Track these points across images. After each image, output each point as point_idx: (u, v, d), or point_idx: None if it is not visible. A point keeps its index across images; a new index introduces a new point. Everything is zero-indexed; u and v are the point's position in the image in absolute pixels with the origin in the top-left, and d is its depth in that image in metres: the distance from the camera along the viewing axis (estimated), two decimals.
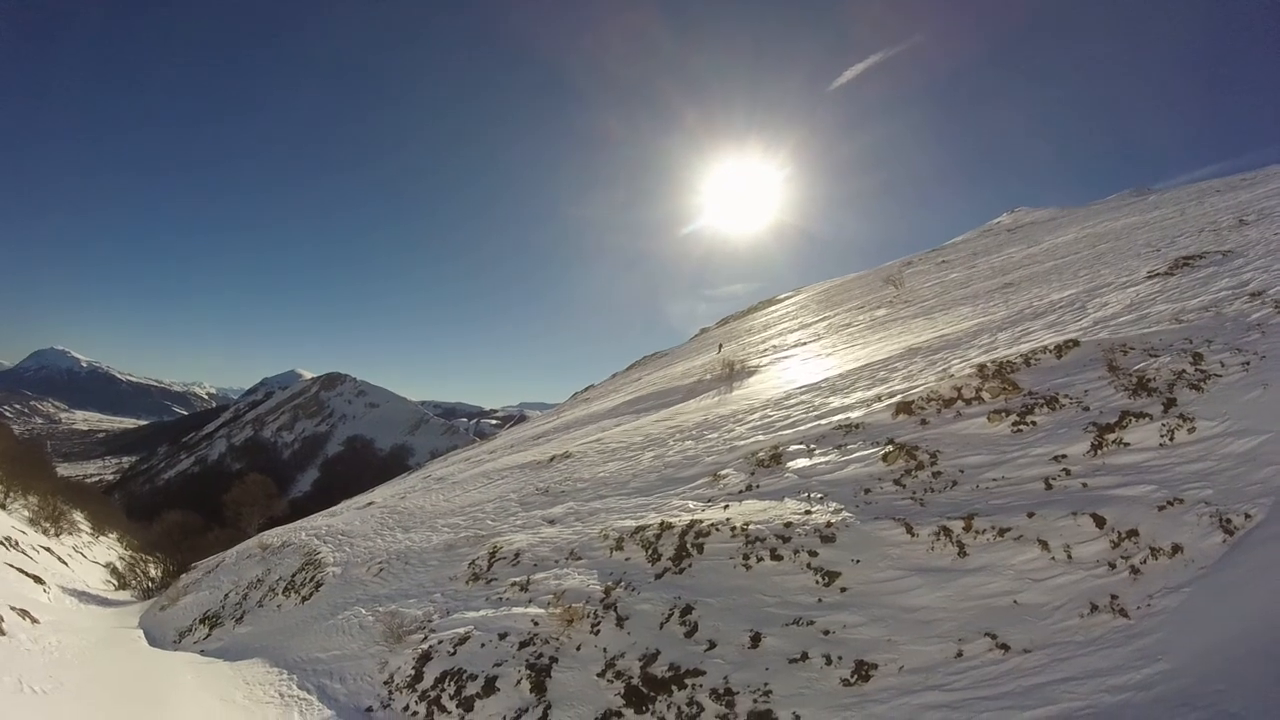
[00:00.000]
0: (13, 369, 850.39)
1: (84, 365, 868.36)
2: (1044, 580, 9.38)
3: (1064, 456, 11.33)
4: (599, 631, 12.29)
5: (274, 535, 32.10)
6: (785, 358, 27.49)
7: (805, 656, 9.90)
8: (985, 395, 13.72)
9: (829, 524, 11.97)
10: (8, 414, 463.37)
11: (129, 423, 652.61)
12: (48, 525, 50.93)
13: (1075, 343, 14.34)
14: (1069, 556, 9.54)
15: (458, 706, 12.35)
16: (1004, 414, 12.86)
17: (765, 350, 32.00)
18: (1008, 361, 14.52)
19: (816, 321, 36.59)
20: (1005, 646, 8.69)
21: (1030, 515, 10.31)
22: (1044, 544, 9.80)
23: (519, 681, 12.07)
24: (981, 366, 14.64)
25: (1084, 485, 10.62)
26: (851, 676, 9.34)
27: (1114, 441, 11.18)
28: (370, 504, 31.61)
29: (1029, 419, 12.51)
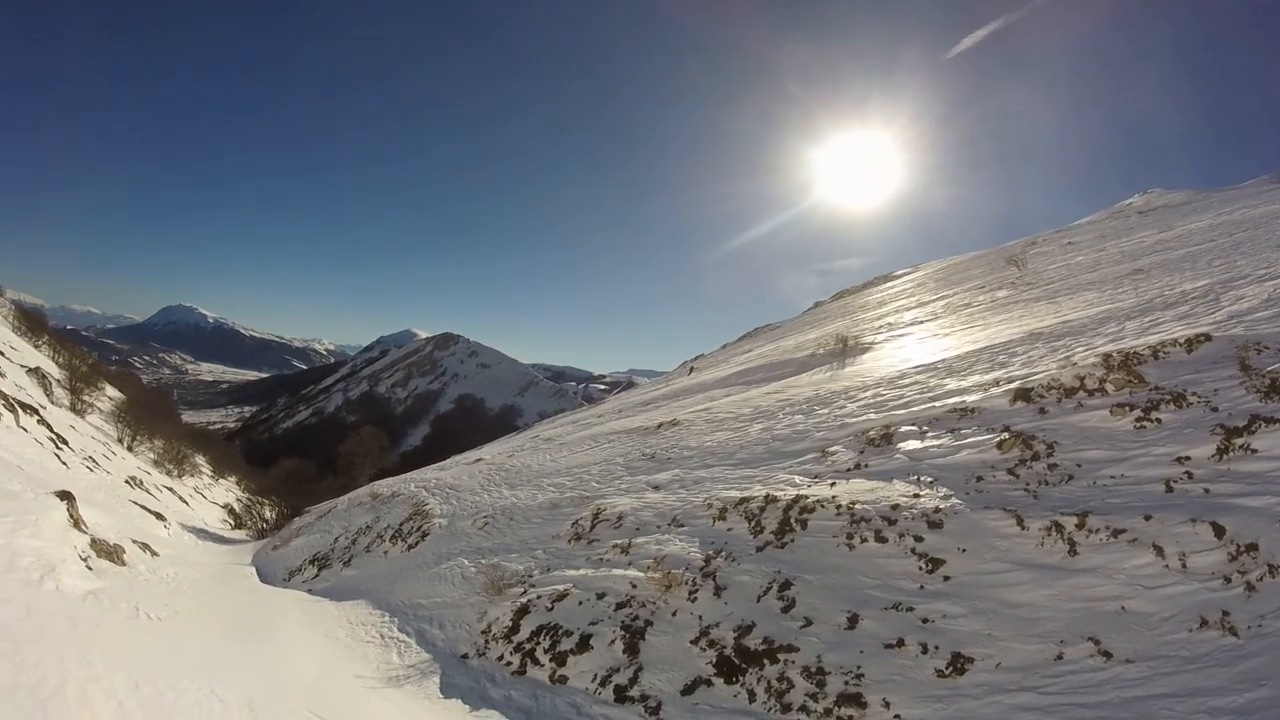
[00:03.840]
0: (143, 323, 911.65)
1: (210, 321, 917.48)
2: (1155, 588, 9.29)
3: (1187, 458, 11.07)
4: (696, 599, 12.65)
5: (385, 485, 33.17)
6: (900, 336, 27.18)
7: (901, 643, 10.08)
8: (1109, 387, 13.44)
9: (937, 509, 12.03)
10: (137, 365, 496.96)
11: (251, 375, 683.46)
12: (171, 467, 54.83)
13: (1207, 337, 13.90)
14: (1183, 566, 9.42)
15: (551, 660, 12.90)
16: (1127, 408, 12.60)
17: (880, 327, 31.47)
18: (1134, 352, 14.13)
19: (934, 300, 35.78)
20: (1108, 654, 8.72)
21: (1147, 518, 10.17)
22: (1159, 550, 9.70)
23: (613, 641, 12.54)
24: (1107, 356, 14.30)
25: (1206, 491, 10.40)
26: (946, 668, 9.48)
27: (1241, 446, 10.89)
28: (479, 460, 32.42)
29: (1153, 415, 12.23)
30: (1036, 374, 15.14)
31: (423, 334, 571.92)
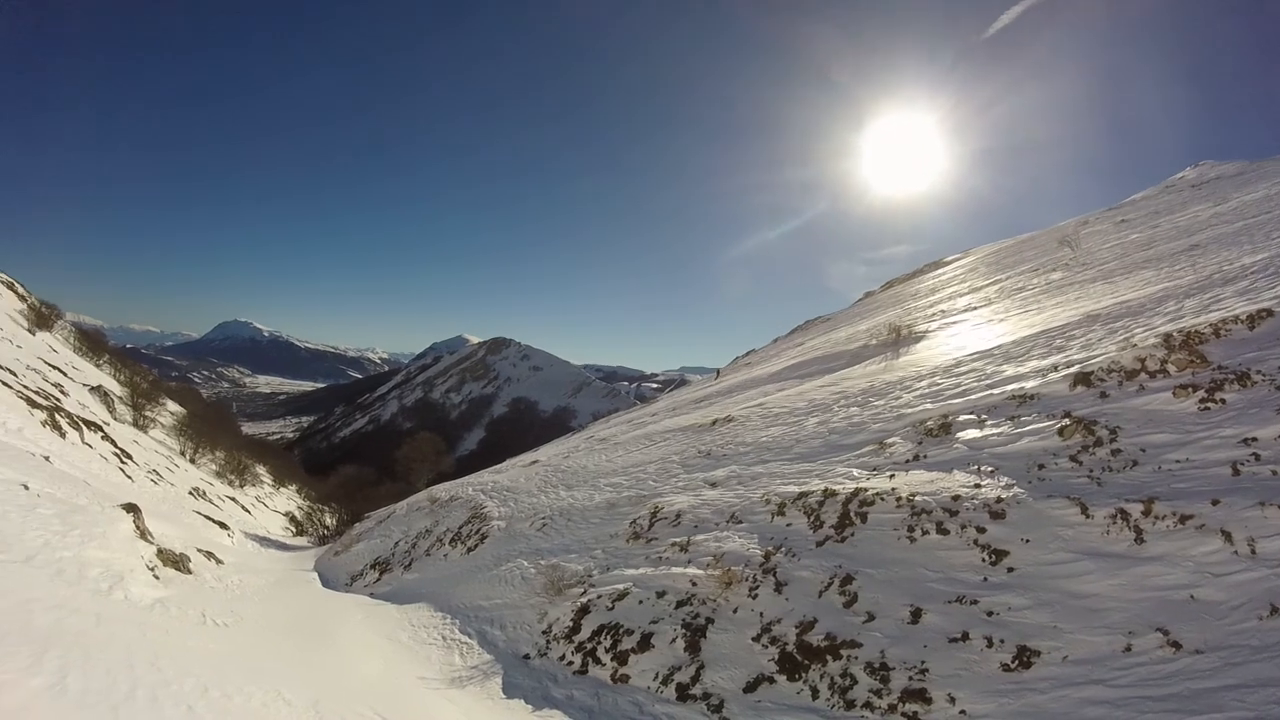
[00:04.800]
0: (200, 339, 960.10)
1: (265, 334, 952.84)
2: (1224, 576, 9.13)
3: (1254, 439, 10.87)
4: (757, 596, 12.70)
5: (443, 490, 33.64)
6: (954, 323, 26.95)
7: (966, 637, 10.05)
8: (1170, 368, 13.25)
9: (999, 499, 11.95)
10: (196, 379, 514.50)
11: (307, 385, 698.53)
12: (233, 477, 56.50)
13: (1269, 313, 13.61)
14: (1253, 551, 9.25)
15: (612, 659, 13.02)
16: (1190, 389, 12.41)
17: (933, 315, 31.18)
18: (1195, 331, 13.91)
19: (987, 285, 35.39)
20: (1177, 644, 8.60)
21: (1215, 503, 10.02)
22: (1227, 535, 9.54)
23: (674, 639, 12.62)
24: (1167, 336, 14.09)
25: (1274, 473, 10.20)
26: (1012, 662, 9.43)
27: None
28: (535, 462, 32.74)
29: (1217, 396, 12.03)
30: (1096, 357, 14.96)
31: (474, 339, 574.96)
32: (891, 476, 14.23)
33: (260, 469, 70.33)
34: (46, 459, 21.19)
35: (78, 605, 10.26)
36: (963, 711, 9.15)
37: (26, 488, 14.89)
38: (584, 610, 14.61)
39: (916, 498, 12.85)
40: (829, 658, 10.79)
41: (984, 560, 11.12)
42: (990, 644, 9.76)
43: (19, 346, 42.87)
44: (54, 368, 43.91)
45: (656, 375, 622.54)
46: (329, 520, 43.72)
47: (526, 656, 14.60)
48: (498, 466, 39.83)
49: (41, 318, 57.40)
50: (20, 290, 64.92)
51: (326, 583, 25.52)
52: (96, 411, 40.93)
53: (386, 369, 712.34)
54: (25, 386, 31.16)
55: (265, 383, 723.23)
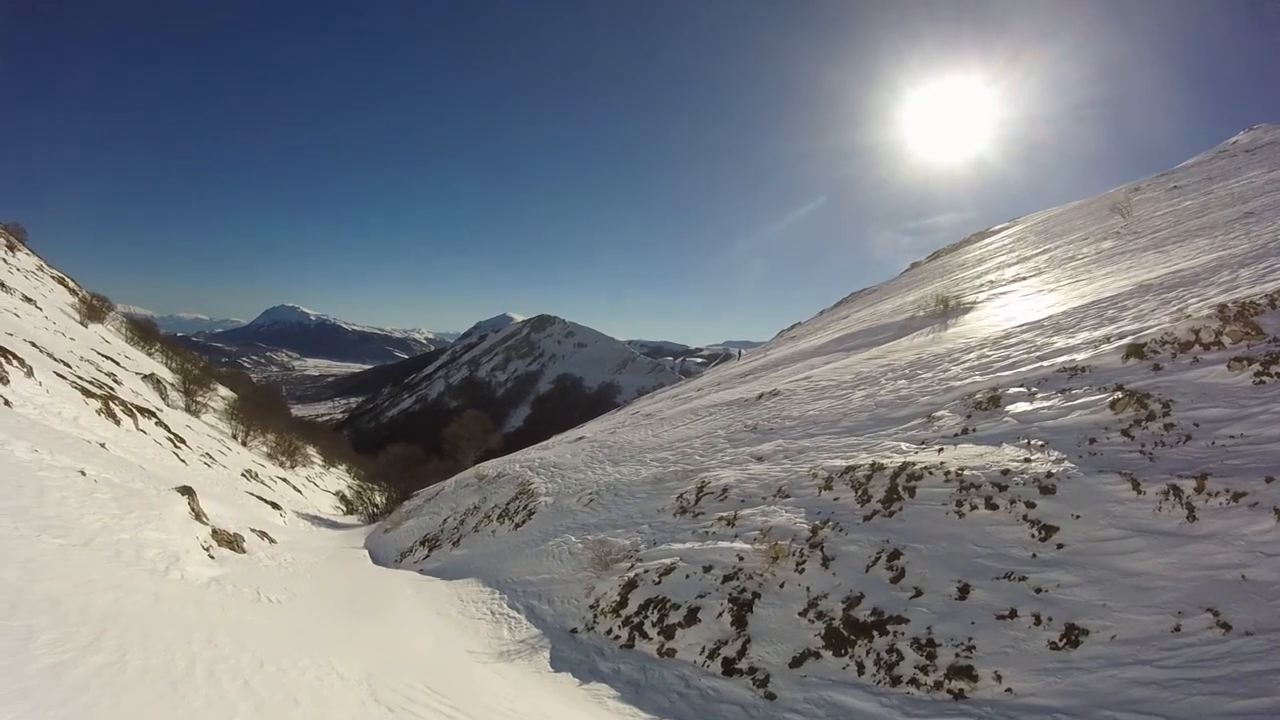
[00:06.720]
0: (249, 325, 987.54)
1: (312, 318, 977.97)
2: (1276, 555, 9.00)
3: None
4: (803, 570, 12.77)
5: (490, 466, 34.13)
6: (1003, 293, 26.66)
7: (1014, 614, 10.03)
8: (1225, 340, 13.02)
9: (1049, 474, 11.87)
10: (246, 364, 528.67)
11: (355, 367, 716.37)
12: (284, 459, 58.20)
13: None
14: None
15: (659, 634, 13.18)
16: (1246, 362, 12.18)
17: (981, 285, 30.80)
18: (1251, 302, 13.61)
19: (1036, 254, 34.85)
20: (1227, 626, 8.51)
21: (1269, 480, 9.87)
22: None
23: (721, 614, 12.75)
24: (1222, 307, 13.81)
25: None
26: (1060, 640, 9.42)
27: None
28: (581, 438, 33.07)
29: (1273, 370, 11.81)
30: (1148, 328, 14.74)
31: (519, 317, 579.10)
32: (939, 450, 14.19)
33: (310, 450, 72.03)
34: (102, 446, 21.71)
35: (136, 585, 10.57)
36: (1009, 690, 9.17)
37: (84, 474, 15.30)
38: (631, 585, 14.80)
39: (965, 472, 12.79)
40: (875, 633, 10.84)
41: (1033, 536, 11.08)
42: (1038, 621, 9.75)
43: (72, 339, 43.96)
44: (107, 358, 45.04)
45: (701, 350, 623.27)
46: (378, 498, 44.68)
47: (574, 631, 14.82)
48: (544, 443, 40.22)
49: (93, 310, 58.78)
50: (71, 284, 66.46)
51: (377, 559, 26.08)
52: (150, 398, 41.97)
53: (432, 349, 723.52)
54: (80, 377, 31.97)
55: (313, 365, 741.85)
